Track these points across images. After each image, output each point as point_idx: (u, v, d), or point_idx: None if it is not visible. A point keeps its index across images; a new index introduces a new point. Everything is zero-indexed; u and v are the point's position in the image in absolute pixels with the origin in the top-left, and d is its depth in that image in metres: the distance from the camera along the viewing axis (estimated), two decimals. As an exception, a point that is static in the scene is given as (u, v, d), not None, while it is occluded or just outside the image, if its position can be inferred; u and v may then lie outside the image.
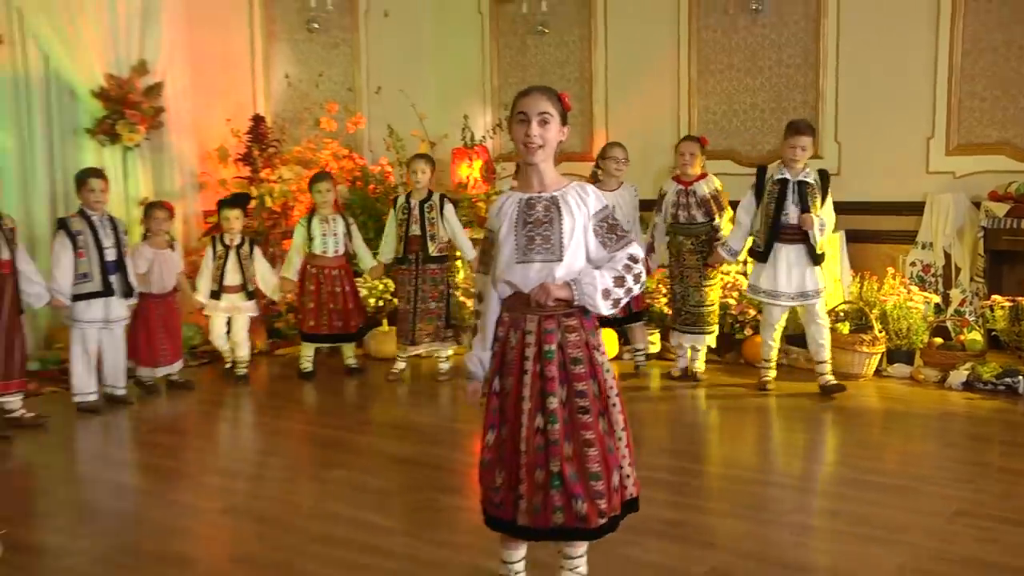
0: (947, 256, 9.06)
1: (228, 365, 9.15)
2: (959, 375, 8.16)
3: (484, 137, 11.51)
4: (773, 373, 8.29)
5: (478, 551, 4.84)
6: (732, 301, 9.10)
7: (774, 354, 8.29)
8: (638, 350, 9.08)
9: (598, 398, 4.16)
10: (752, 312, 9.05)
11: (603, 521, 4.13)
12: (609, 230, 4.15)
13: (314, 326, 9.05)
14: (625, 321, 8.84)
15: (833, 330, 8.57)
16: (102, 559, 5.22)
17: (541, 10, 11.47)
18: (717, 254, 8.33)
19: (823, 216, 7.79)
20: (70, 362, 8.10)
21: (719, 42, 10.46)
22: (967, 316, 8.74)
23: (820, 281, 7.92)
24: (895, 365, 8.53)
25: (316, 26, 11.37)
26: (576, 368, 4.10)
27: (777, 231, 7.89)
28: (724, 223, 8.39)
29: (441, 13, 12.31)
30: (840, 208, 8.18)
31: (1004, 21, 8.94)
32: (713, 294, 8.58)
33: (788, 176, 7.84)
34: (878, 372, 8.58)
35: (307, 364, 9.20)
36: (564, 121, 4.13)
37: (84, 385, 8.05)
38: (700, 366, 8.66)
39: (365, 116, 11.64)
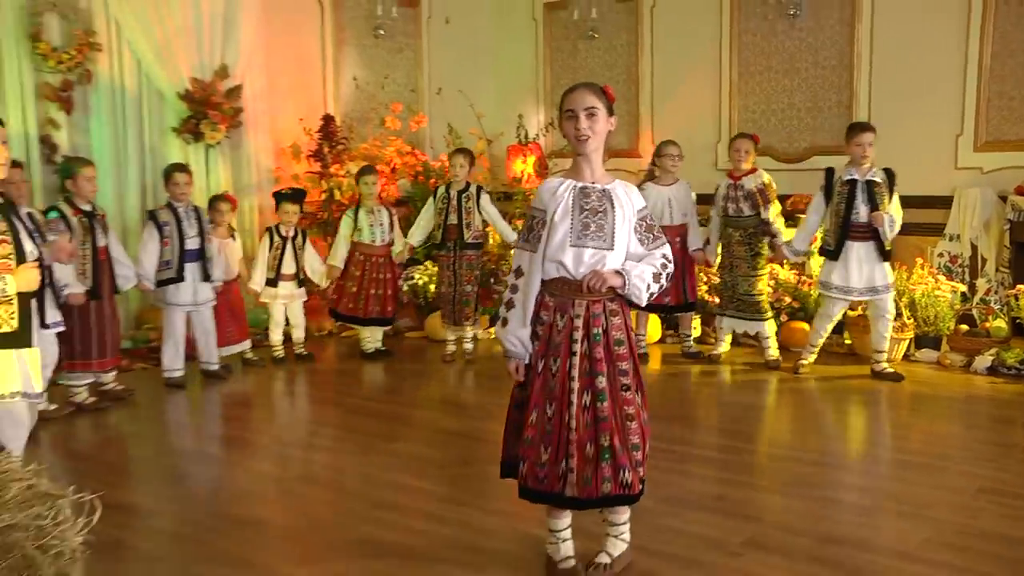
0: (974, 247, 9.02)
1: (278, 355, 9.20)
2: (984, 360, 8.17)
3: (537, 135, 11.60)
4: (812, 359, 8.27)
5: (527, 519, 4.90)
6: (768, 289, 9.05)
7: (821, 342, 8.27)
8: (687, 335, 9.11)
9: (636, 375, 4.27)
10: (787, 299, 9.06)
11: (641, 487, 4.27)
12: (647, 229, 4.29)
13: (352, 308, 9.19)
14: (678, 309, 8.88)
15: (864, 316, 8.59)
16: (189, 521, 5.37)
17: (591, 17, 11.52)
18: (780, 252, 8.30)
19: (892, 213, 7.72)
20: (162, 341, 8.33)
21: (758, 46, 10.45)
22: (992, 304, 8.69)
23: (889, 276, 7.87)
24: (923, 350, 8.52)
25: (382, 32, 11.42)
26: (619, 349, 4.21)
27: (848, 229, 7.79)
28: (773, 215, 8.32)
29: (498, 19, 12.38)
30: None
31: (1033, 25, 8.89)
32: (762, 283, 8.52)
33: (856, 176, 7.76)
34: (906, 357, 8.59)
35: (369, 346, 9.35)
36: (610, 112, 4.22)
37: (172, 362, 8.29)
38: (774, 353, 8.54)
39: (427, 115, 11.70)
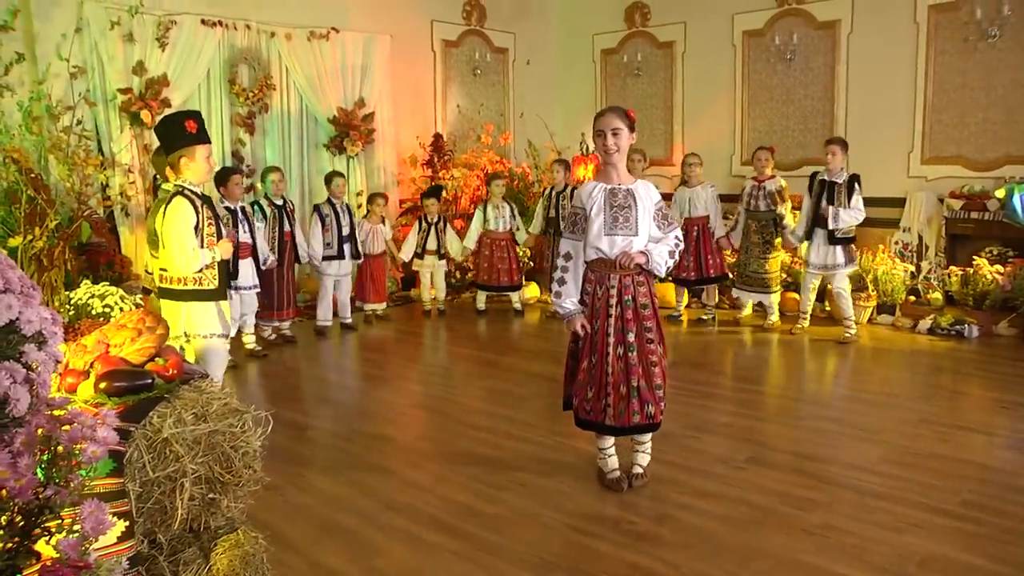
0: (920, 237, 8.90)
1: (427, 310, 9.44)
2: (925, 323, 8.10)
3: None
4: (806, 323, 8.19)
5: (584, 439, 5.00)
6: (777, 269, 8.59)
7: (808, 308, 8.16)
8: (707, 305, 8.87)
9: (658, 331, 4.37)
10: (783, 275, 8.93)
11: (662, 417, 4.40)
12: (663, 217, 4.39)
13: (486, 279, 9.39)
14: (702, 283, 8.72)
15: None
16: (333, 434, 5.59)
17: (637, 59, 11.49)
18: (787, 239, 8.12)
19: (842, 209, 7.47)
20: (318, 300, 8.61)
21: (763, 81, 10.35)
22: (932, 280, 8.56)
23: (838, 258, 7.66)
24: (882, 315, 8.42)
25: (479, 71, 11.46)
26: (644, 311, 4.33)
27: (815, 219, 7.70)
28: (787, 212, 8.16)
29: (566, 62, 12.33)
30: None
31: (961, 70, 8.78)
32: (772, 264, 8.29)
33: (825, 177, 7.65)
34: (870, 320, 8.50)
35: (482, 305, 9.54)
36: (632, 129, 4.30)
37: (323, 315, 8.57)
38: (775, 319, 8.38)
39: (512, 133, 11.75)
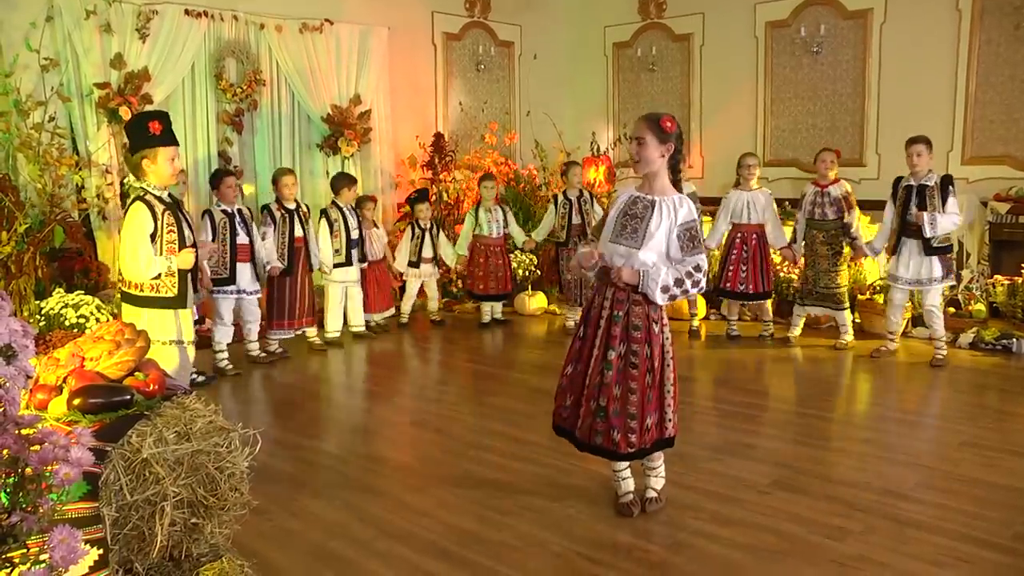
0: (960, 244, 8.85)
1: (404, 321, 9.48)
2: (967, 337, 8.03)
3: (607, 148, 11.58)
4: (894, 344, 7.85)
5: (596, 461, 4.87)
6: (847, 282, 8.35)
7: (897, 329, 7.88)
8: (766, 321, 8.67)
9: (648, 358, 4.26)
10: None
11: (631, 451, 4.31)
12: (689, 239, 4.22)
13: (483, 288, 9.35)
14: (757, 297, 8.47)
15: (871, 300, 8.48)
16: (330, 455, 5.55)
17: (652, 53, 11.50)
18: (861, 251, 7.93)
19: (938, 213, 7.16)
20: (326, 310, 8.65)
21: (787, 76, 10.35)
22: (974, 291, 8.51)
23: (935, 271, 7.32)
24: (918, 328, 8.34)
25: (482, 67, 11.47)
26: (635, 333, 4.25)
27: (903, 228, 7.42)
28: (855, 219, 7.97)
29: (576, 56, 12.37)
30: (878, 204, 7.95)
31: (1009, 60, 8.77)
32: (843, 277, 8.07)
33: (912, 182, 7.37)
34: (905, 334, 8.37)
35: (486, 317, 9.51)
36: (663, 140, 4.22)
37: (333, 326, 8.64)
38: (849, 338, 8.12)
39: (518, 133, 11.74)
